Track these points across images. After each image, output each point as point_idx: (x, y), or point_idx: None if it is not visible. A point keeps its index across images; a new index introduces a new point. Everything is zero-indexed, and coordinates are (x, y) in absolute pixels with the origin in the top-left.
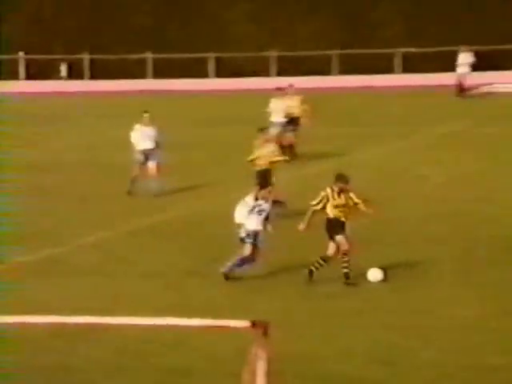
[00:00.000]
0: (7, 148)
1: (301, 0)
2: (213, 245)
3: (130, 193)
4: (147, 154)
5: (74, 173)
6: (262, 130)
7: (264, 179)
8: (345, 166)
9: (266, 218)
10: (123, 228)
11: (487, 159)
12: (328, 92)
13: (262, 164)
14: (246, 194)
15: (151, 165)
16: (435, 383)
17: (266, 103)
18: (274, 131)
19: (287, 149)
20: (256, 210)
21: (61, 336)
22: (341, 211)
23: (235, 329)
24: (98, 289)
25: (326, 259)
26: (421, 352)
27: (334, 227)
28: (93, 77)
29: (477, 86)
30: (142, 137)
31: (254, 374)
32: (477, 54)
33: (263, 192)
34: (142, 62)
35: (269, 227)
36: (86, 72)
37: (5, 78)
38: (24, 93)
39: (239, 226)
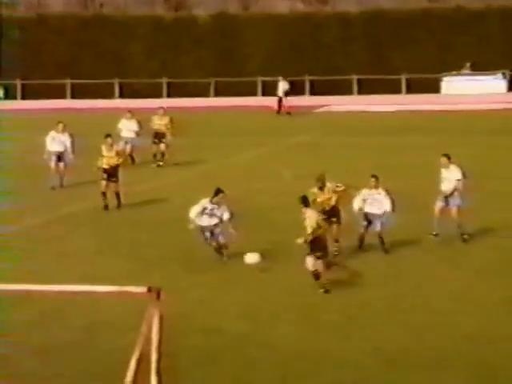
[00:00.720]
0: None
1: (184, 38)
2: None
3: (52, 188)
4: (59, 156)
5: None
6: (108, 136)
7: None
8: (221, 167)
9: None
10: (46, 217)
11: (328, 161)
12: (206, 110)
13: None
14: None
15: (61, 165)
16: (292, 335)
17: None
18: (121, 144)
19: (130, 156)
20: (207, 211)
21: None
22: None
23: (135, 294)
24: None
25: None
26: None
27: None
28: (23, 98)
29: (313, 107)
30: (55, 141)
31: (150, 329)
32: (316, 82)
33: (216, 198)
34: (62, 86)
35: (231, 230)
36: (19, 94)
37: None
38: None
39: (192, 221)
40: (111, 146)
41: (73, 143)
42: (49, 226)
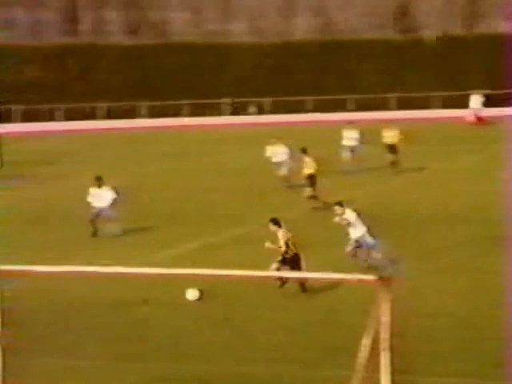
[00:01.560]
0: None
1: (411, 57)
2: None
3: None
4: None
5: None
6: None
7: None
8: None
9: None
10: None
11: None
12: (430, 122)
13: None
14: None
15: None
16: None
17: None
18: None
19: None
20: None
21: None
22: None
23: (368, 281)
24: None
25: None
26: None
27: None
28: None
29: None
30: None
31: (380, 311)
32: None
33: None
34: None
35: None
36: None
37: None
38: None
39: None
40: None
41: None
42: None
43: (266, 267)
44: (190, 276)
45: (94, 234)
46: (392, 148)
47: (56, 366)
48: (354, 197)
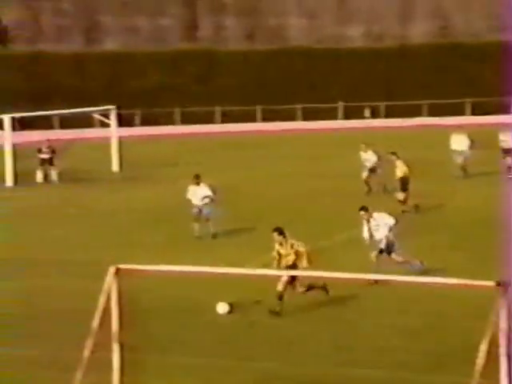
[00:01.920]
0: None
1: None
2: None
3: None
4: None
5: None
6: None
7: None
8: None
9: None
10: None
11: None
12: None
13: None
14: None
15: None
16: None
17: None
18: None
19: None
20: None
21: None
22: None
23: (483, 286)
24: None
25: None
26: None
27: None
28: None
29: None
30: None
31: (498, 317)
32: None
33: None
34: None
35: None
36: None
37: None
38: None
39: None
40: None
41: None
42: None
43: (373, 270)
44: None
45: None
46: (508, 152)
47: (172, 363)
48: (469, 201)
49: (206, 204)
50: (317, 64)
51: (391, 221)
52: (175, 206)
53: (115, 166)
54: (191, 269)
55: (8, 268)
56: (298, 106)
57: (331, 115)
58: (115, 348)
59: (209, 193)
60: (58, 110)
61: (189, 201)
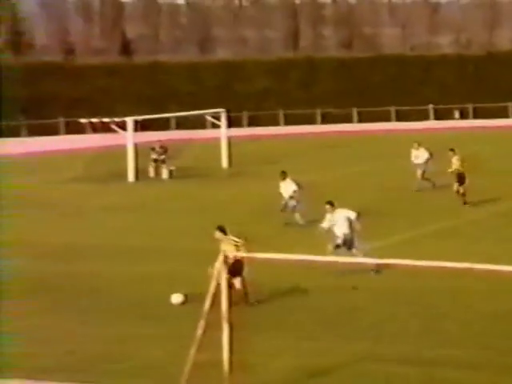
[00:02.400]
0: None
1: None
2: None
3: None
4: None
5: None
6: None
7: None
8: None
9: None
10: None
11: None
12: None
13: None
14: None
15: None
16: None
17: None
18: None
19: None
20: None
21: None
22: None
23: None
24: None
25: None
26: None
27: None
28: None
29: None
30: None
31: None
32: None
33: None
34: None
35: None
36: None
37: None
38: None
39: None
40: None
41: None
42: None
43: (463, 260)
44: (400, 266)
45: (286, 223)
46: None
47: (276, 343)
48: None
49: (291, 197)
50: (409, 70)
51: (352, 215)
52: (278, 199)
53: (225, 163)
54: (295, 257)
55: (130, 254)
56: (392, 108)
57: (422, 116)
58: (225, 328)
59: (294, 188)
60: (174, 113)
61: (280, 194)
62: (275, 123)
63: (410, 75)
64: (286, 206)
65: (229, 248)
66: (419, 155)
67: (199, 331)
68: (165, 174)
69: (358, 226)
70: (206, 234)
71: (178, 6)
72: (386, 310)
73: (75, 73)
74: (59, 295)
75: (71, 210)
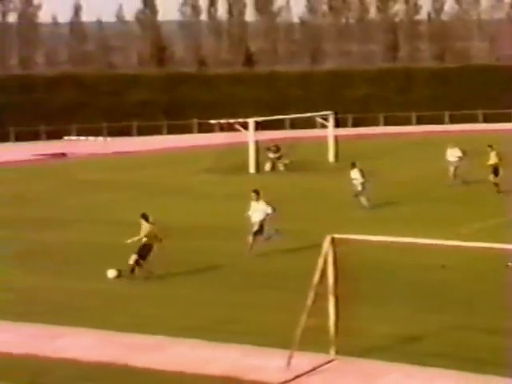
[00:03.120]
0: None
1: None
2: None
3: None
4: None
5: None
6: None
7: None
8: None
9: None
10: None
11: None
12: None
13: None
14: None
15: None
16: None
17: None
18: None
19: None
20: None
21: None
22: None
23: None
24: None
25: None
26: None
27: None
28: None
29: None
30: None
31: None
32: None
33: None
34: None
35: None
36: None
37: None
38: None
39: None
40: None
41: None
42: None
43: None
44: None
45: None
46: None
47: (375, 312)
48: None
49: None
50: (494, 78)
51: (269, 210)
52: (379, 189)
53: (331, 158)
54: (393, 239)
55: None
56: (480, 112)
57: (507, 119)
58: (331, 299)
59: (358, 176)
60: (288, 115)
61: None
62: (376, 124)
63: (496, 82)
64: (359, 192)
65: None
66: (453, 154)
67: (309, 301)
68: (281, 166)
69: (271, 218)
70: (316, 217)
71: (292, 24)
72: (474, 286)
73: (207, 81)
74: (184, 268)
75: (202, 196)
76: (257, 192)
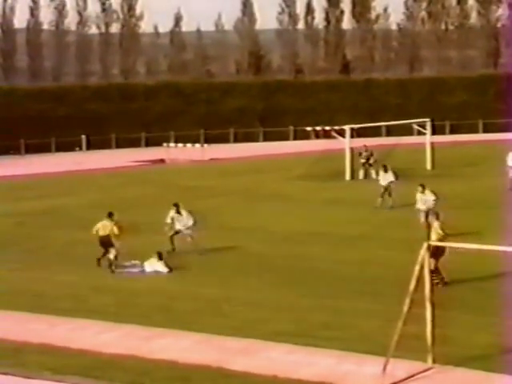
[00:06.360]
0: None
1: None
2: None
3: None
4: None
5: None
6: None
7: None
8: None
9: None
10: None
11: None
12: None
13: None
14: None
15: None
16: None
17: None
18: None
19: None
20: None
21: None
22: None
23: None
24: None
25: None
26: None
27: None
28: None
29: None
30: None
31: None
32: None
33: None
34: None
35: None
36: None
37: None
38: None
39: None
40: None
41: None
42: None
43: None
44: None
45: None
46: None
47: (471, 320)
48: None
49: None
50: None
51: (190, 222)
52: (477, 195)
53: (428, 165)
54: (489, 247)
55: (349, 241)
56: None
57: None
58: (427, 306)
59: (392, 178)
60: (385, 122)
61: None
62: (474, 131)
63: None
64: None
65: (103, 228)
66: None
67: (405, 308)
68: (373, 174)
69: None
70: (407, 224)
71: (390, 30)
72: None
73: (303, 88)
74: (283, 273)
75: (299, 203)
76: (177, 205)
